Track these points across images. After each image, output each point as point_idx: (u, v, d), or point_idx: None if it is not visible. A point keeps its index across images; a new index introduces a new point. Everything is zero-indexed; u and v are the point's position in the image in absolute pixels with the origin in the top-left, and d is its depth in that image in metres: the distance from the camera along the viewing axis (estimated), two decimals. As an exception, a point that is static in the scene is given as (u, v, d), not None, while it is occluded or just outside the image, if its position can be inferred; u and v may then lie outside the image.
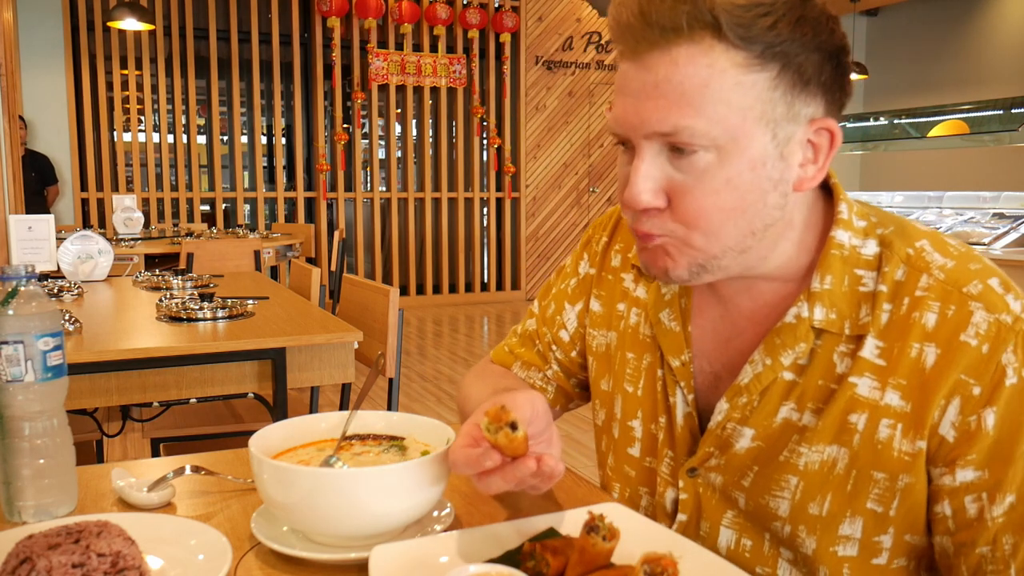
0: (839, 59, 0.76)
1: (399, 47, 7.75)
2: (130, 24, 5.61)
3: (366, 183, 7.87)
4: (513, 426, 0.71)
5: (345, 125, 7.75)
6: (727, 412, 0.85)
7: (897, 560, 0.81)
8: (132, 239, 4.77)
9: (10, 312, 0.83)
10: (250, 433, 0.82)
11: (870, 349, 0.79)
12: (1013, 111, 5.15)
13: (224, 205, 7.52)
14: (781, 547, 0.85)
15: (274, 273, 6.16)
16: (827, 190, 0.86)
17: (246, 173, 7.70)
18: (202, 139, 7.56)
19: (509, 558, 0.73)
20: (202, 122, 7.53)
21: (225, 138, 7.66)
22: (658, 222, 0.78)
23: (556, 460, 0.73)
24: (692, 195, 0.75)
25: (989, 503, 0.75)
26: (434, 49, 7.90)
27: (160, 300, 2.31)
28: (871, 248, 0.81)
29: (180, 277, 2.91)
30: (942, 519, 0.78)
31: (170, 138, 7.20)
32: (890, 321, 0.78)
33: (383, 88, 7.84)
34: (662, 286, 0.94)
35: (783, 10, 0.71)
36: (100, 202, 6.99)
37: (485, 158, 8.32)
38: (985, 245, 4.56)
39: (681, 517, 0.90)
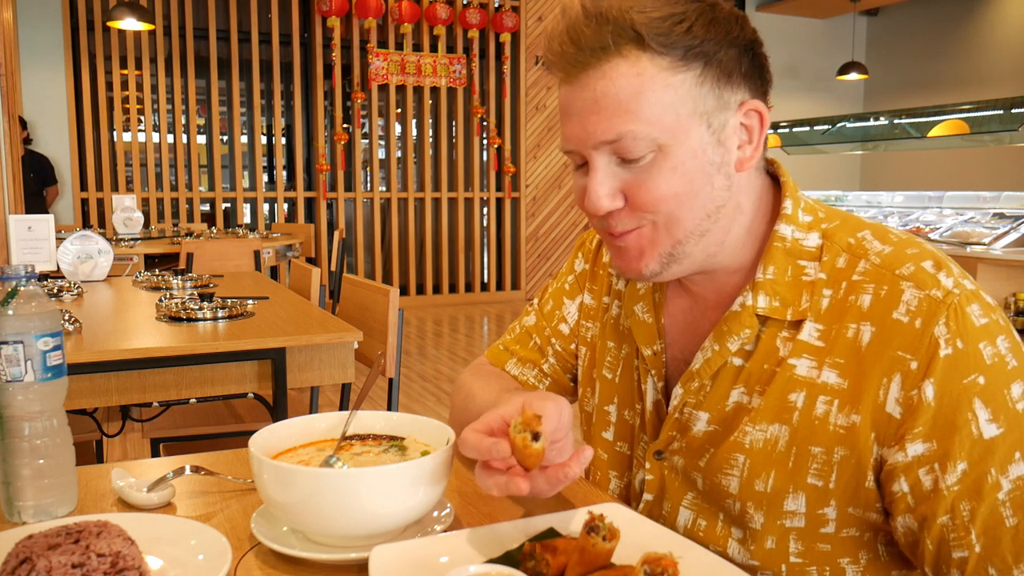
0: (754, 50, 0.84)
1: (399, 47, 7.75)
2: (130, 24, 5.61)
3: (366, 183, 7.87)
4: (535, 436, 0.72)
5: (345, 125, 7.75)
6: (682, 397, 0.91)
7: (847, 530, 0.84)
8: (132, 239, 4.77)
9: (10, 312, 0.83)
10: (250, 433, 0.82)
11: (808, 332, 0.84)
12: (1013, 111, 5.14)
13: (224, 205, 7.52)
14: (733, 526, 0.89)
15: (274, 273, 6.16)
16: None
17: (246, 173, 7.70)
18: (202, 139, 7.56)
19: (509, 558, 0.73)
20: (202, 122, 7.53)
21: (225, 138, 7.66)
22: (624, 220, 0.84)
23: (560, 479, 0.74)
24: (645, 186, 0.82)
25: (942, 473, 0.77)
26: (434, 49, 7.90)
27: (160, 300, 2.31)
28: (814, 240, 0.87)
29: (180, 277, 2.91)
30: (901, 497, 0.80)
31: (170, 138, 7.20)
32: (829, 305, 0.84)
33: (383, 88, 7.84)
34: (636, 281, 0.99)
35: (694, 16, 0.80)
36: (100, 202, 6.99)
37: (485, 158, 8.32)
38: (985, 245, 4.55)
39: (647, 497, 0.96)
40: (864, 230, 0.87)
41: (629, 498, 1.00)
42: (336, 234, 5.31)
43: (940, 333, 0.77)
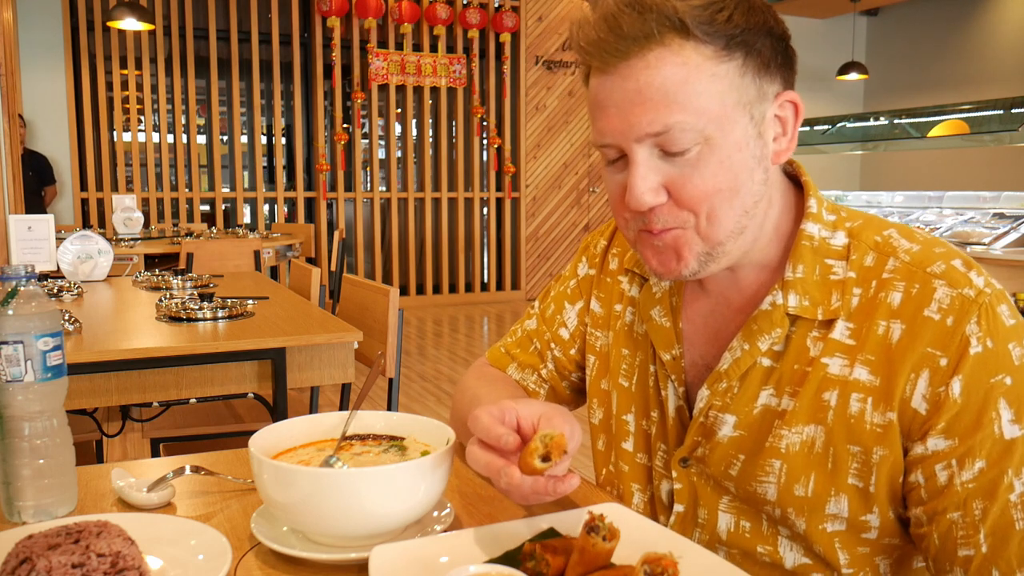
0: (785, 42, 0.83)
1: (399, 47, 7.75)
2: (130, 24, 5.61)
3: (366, 183, 7.87)
4: (546, 458, 0.73)
5: (345, 125, 7.74)
6: (708, 398, 0.89)
7: (889, 538, 0.84)
8: (132, 239, 4.77)
9: (10, 312, 0.83)
10: (250, 433, 0.82)
11: (840, 331, 0.83)
12: (1013, 111, 5.14)
13: (224, 205, 7.52)
14: (779, 525, 0.87)
15: (274, 273, 6.16)
16: (800, 188, 0.91)
17: (246, 173, 7.70)
18: (202, 139, 7.56)
19: (509, 558, 0.73)
20: (202, 122, 7.53)
21: (225, 138, 7.66)
22: (665, 216, 0.81)
23: (548, 491, 0.75)
24: (692, 182, 0.80)
25: (959, 469, 0.77)
26: (434, 49, 7.90)
27: (160, 300, 2.31)
28: (840, 239, 0.86)
29: (180, 277, 2.91)
30: (916, 488, 0.80)
31: (170, 138, 7.20)
32: (859, 304, 0.83)
33: (383, 88, 7.84)
34: (653, 285, 0.97)
35: (733, 5, 0.78)
36: (100, 202, 6.98)
37: (485, 158, 8.32)
38: (985, 245, 4.55)
39: (678, 508, 0.93)
40: (889, 229, 0.86)
41: (655, 511, 0.97)
42: (336, 234, 5.30)
43: (971, 331, 0.77)
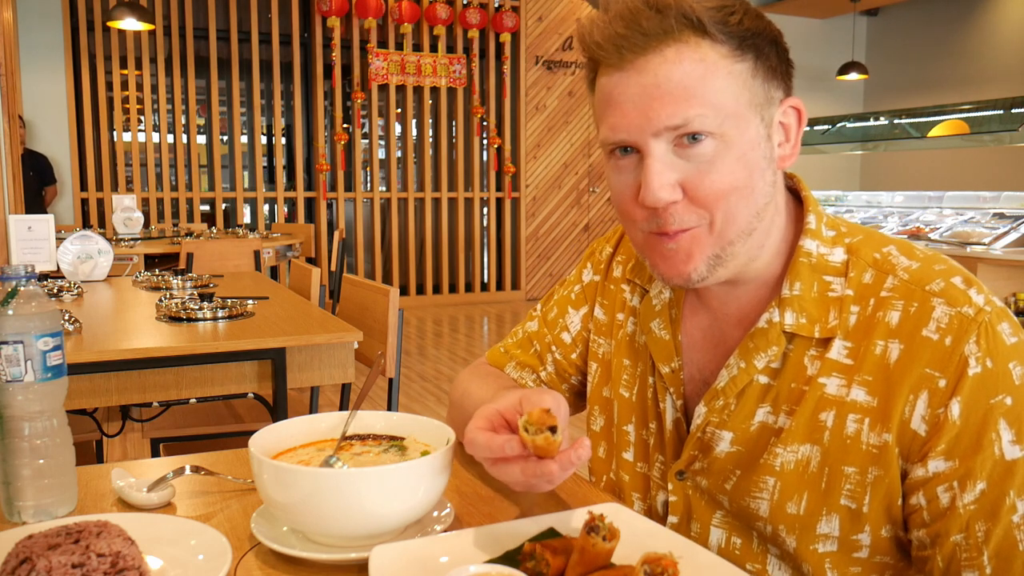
0: (787, 52, 0.85)
1: (399, 47, 7.75)
2: (130, 24, 5.61)
3: (366, 183, 7.87)
4: (553, 430, 0.73)
5: (345, 125, 7.74)
6: (705, 415, 0.89)
7: (880, 556, 0.83)
8: (132, 239, 4.77)
9: (10, 312, 0.83)
10: (250, 433, 0.82)
11: (837, 350, 0.82)
12: (1013, 111, 5.14)
13: (224, 205, 7.52)
14: (768, 544, 0.87)
15: (274, 273, 6.16)
16: (801, 203, 0.91)
17: (246, 173, 7.69)
18: (202, 139, 7.56)
19: (509, 558, 0.73)
20: (202, 122, 7.53)
21: (225, 138, 7.66)
22: (679, 215, 0.81)
23: (573, 461, 0.74)
24: (709, 178, 0.79)
25: (960, 491, 0.76)
26: (434, 49, 7.90)
27: (160, 300, 2.31)
28: (839, 255, 0.86)
29: (180, 277, 2.91)
30: (917, 511, 0.79)
31: (170, 138, 7.20)
32: (857, 322, 0.82)
33: (383, 88, 7.84)
34: (653, 297, 0.97)
35: (742, 10, 0.80)
36: (100, 202, 6.98)
37: (485, 158, 8.32)
38: (985, 245, 4.55)
39: (672, 519, 0.93)
40: (889, 245, 0.86)
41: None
42: (336, 234, 5.31)
43: (970, 351, 0.76)
